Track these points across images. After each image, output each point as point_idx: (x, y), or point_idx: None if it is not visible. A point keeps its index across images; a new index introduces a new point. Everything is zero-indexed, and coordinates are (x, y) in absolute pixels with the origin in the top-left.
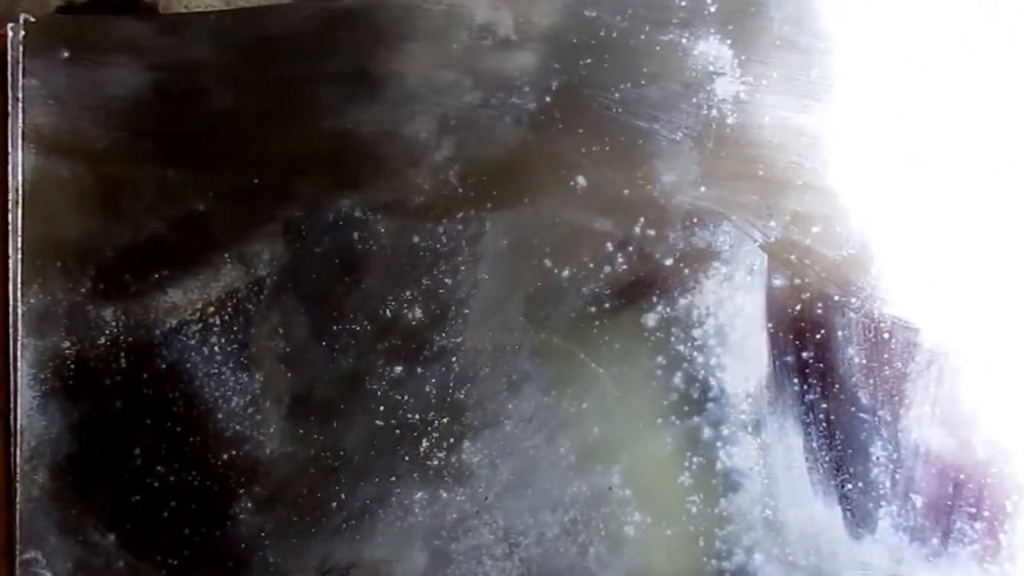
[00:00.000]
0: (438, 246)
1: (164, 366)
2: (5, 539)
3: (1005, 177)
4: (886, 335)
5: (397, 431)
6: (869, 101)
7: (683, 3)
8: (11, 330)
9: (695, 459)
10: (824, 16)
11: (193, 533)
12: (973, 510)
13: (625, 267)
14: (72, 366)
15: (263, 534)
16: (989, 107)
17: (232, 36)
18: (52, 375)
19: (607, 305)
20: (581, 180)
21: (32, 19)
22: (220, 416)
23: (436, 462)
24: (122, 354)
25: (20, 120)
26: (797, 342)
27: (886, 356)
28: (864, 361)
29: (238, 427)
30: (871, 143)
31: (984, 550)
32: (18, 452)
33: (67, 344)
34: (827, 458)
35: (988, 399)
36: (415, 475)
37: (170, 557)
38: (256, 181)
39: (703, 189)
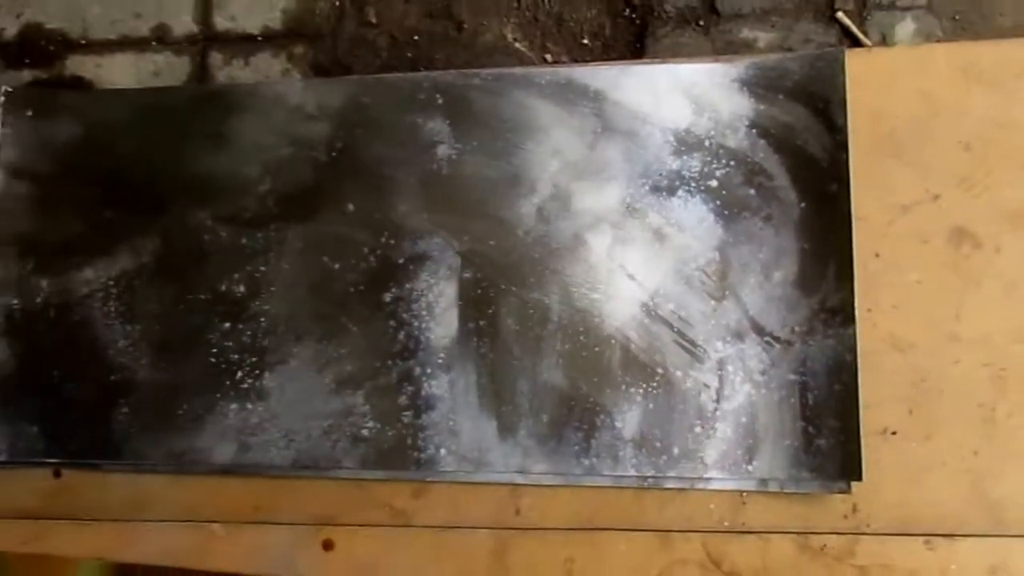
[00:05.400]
0: (257, 246)
1: (77, 318)
2: None
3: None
4: (530, 311)
5: (222, 366)
6: (536, 158)
7: (422, 96)
8: None
9: (409, 388)
10: (509, 108)
11: (86, 427)
12: (577, 424)
13: (374, 264)
14: (17, 316)
15: (132, 430)
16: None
17: (134, 105)
18: (4, 320)
19: (362, 288)
20: (350, 206)
21: (9, 89)
22: (111, 352)
23: (246, 386)
24: (51, 310)
25: None
26: (477, 314)
27: (530, 324)
28: (517, 327)
29: (123, 359)
30: (531, 184)
31: (581, 449)
32: None
33: (15, 302)
34: (490, 389)
35: (592, 354)
36: (231, 394)
37: (71, 444)
38: (144, 201)
39: (426, 215)
